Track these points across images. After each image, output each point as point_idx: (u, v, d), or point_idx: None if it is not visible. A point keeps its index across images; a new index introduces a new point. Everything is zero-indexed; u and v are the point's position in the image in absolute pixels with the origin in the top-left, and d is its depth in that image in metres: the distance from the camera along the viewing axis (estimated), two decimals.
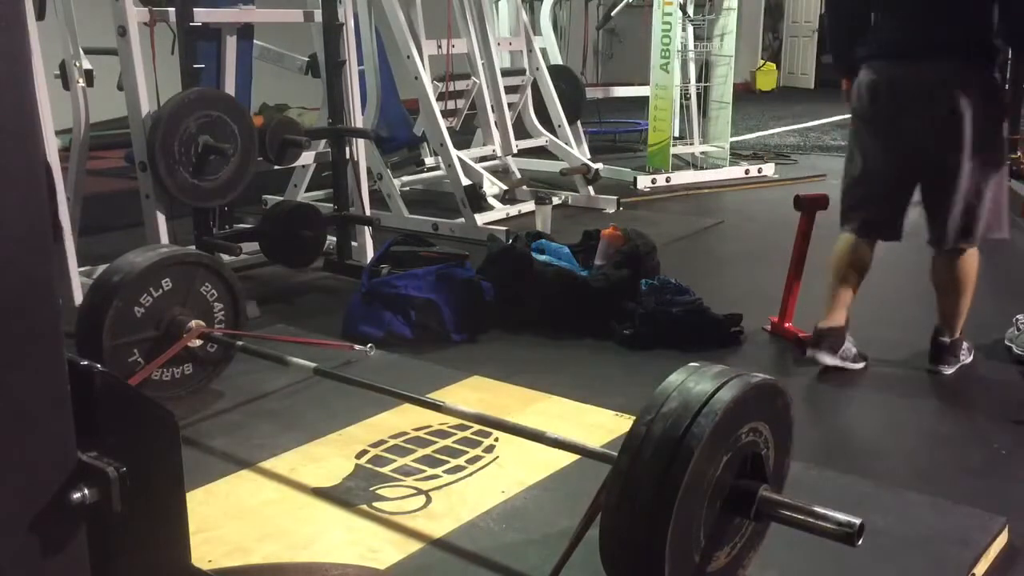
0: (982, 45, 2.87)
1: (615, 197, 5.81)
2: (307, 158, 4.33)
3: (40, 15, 3.41)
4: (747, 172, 6.85)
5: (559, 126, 6.09)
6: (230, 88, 3.86)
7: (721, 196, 6.41)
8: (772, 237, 4.93)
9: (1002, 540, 2.07)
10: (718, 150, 7.00)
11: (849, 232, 3.15)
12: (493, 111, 5.52)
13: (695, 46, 7.03)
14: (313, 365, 2.56)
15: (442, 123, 5.16)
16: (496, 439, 2.50)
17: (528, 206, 5.44)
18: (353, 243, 4.38)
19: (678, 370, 1.62)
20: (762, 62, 14.47)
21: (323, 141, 4.32)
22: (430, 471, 2.35)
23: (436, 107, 5.16)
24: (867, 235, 3.12)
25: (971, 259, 3.02)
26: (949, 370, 3.11)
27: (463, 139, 5.97)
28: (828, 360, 3.10)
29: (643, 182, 6.48)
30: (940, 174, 2.93)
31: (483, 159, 5.72)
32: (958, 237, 2.95)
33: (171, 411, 1.29)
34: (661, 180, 6.55)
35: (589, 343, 3.44)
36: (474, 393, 2.84)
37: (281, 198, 4.88)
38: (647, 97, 6.71)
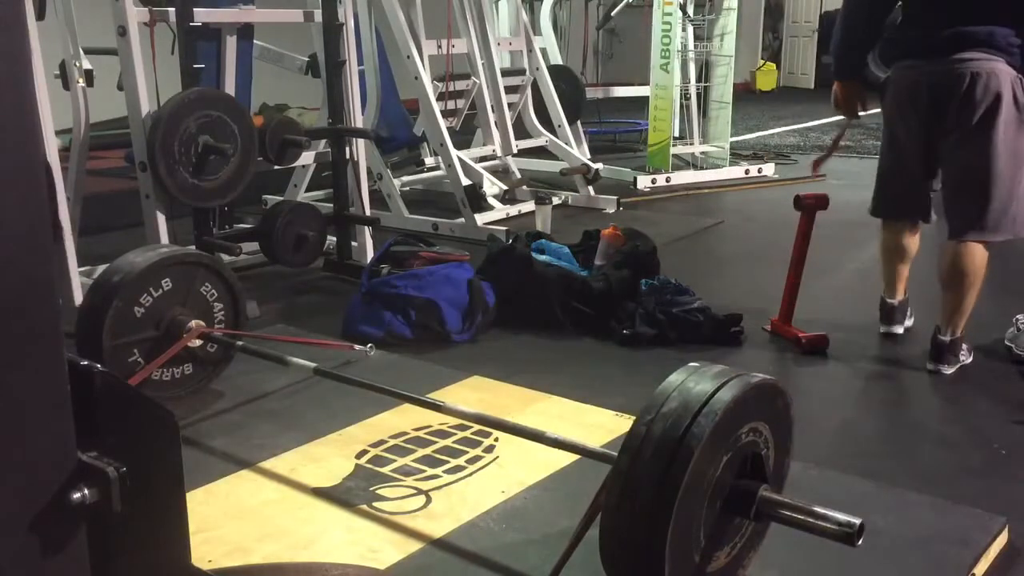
0: (1015, 42, 2.93)
1: (615, 197, 5.81)
2: (307, 158, 4.33)
3: (40, 15, 3.41)
4: (747, 172, 6.85)
5: (559, 126, 6.09)
6: (230, 88, 3.86)
7: (721, 196, 6.41)
8: (772, 237, 4.93)
9: (1002, 540, 2.07)
10: (718, 150, 7.00)
11: (889, 221, 3.36)
12: (493, 111, 5.52)
13: (695, 46, 7.04)
14: (313, 365, 2.56)
15: (442, 123, 5.16)
16: (496, 439, 2.50)
17: (528, 206, 5.44)
18: (353, 243, 4.38)
19: (678, 370, 1.62)
20: (762, 62, 14.48)
21: (323, 141, 4.32)
22: (430, 471, 2.35)
23: (436, 107, 5.16)
24: (905, 219, 3.32)
25: (980, 255, 3.05)
26: (949, 369, 3.11)
27: (463, 139, 5.97)
28: (900, 330, 3.45)
29: (643, 182, 6.48)
30: (973, 166, 2.99)
31: (483, 159, 5.72)
32: (994, 228, 3.02)
33: (171, 411, 1.29)
34: (661, 180, 6.55)
35: (589, 343, 3.44)
36: (474, 393, 2.84)
37: (281, 198, 4.88)
38: (647, 97, 6.71)
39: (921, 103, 3.05)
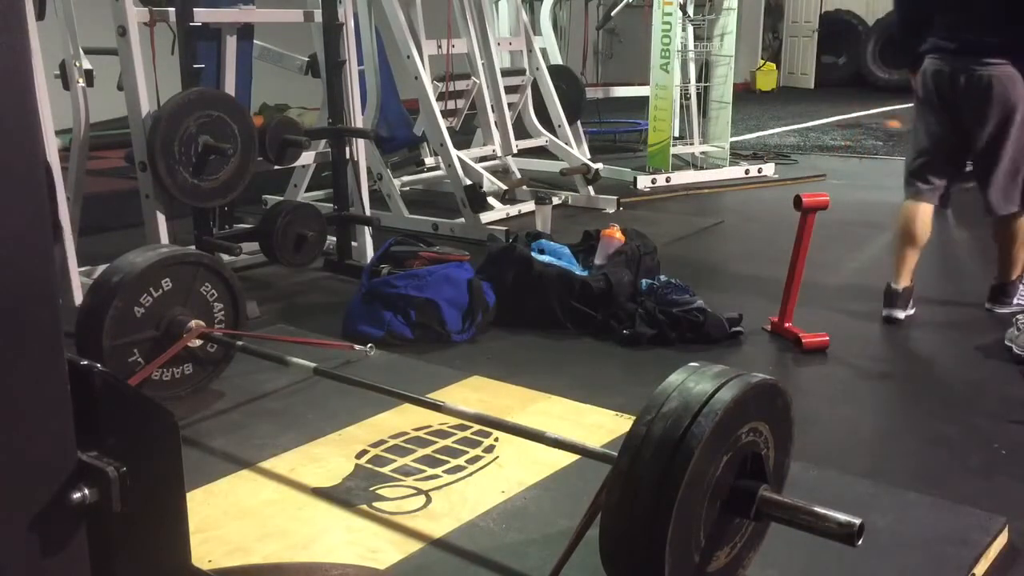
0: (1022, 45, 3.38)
1: (615, 197, 5.81)
2: (307, 158, 4.33)
3: (40, 15, 3.41)
4: (747, 172, 6.85)
5: (559, 126, 6.08)
6: (230, 88, 3.86)
7: (721, 196, 6.41)
8: (772, 237, 4.93)
9: (1002, 540, 2.07)
10: (718, 150, 6.99)
11: (912, 199, 3.64)
12: (493, 111, 5.52)
13: (695, 46, 7.03)
14: (313, 365, 2.56)
15: (442, 123, 5.15)
16: (496, 439, 2.50)
17: (528, 206, 5.44)
18: (353, 243, 4.38)
19: (678, 370, 1.62)
20: (762, 62, 14.47)
21: (323, 141, 4.32)
22: (430, 471, 2.35)
23: (436, 107, 5.16)
24: (925, 199, 3.62)
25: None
26: (1000, 309, 3.63)
27: (463, 139, 5.97)
28: (902, 315, 3.63)
29: (643, 182, 6.48)
30: (991, 155, 3.43)
31: (483, 159, 5.71)
32: (1014, 205, 3.48)
33: (171, 411, 1.29)
34: (661, 180, 6.54)
35: (589, 343, 3.44)
36: (474, 393, 2.84)
37: (281, 198, 4.88)
38: (647, 97, 6.70)
39: (944, 89, 3.47)
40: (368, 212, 4.37)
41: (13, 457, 1.04)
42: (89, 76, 3.74)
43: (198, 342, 2.74)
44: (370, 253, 4.30)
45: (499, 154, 5.66)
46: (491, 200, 5.26)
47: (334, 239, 4.34)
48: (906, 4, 3.70)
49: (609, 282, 3.55)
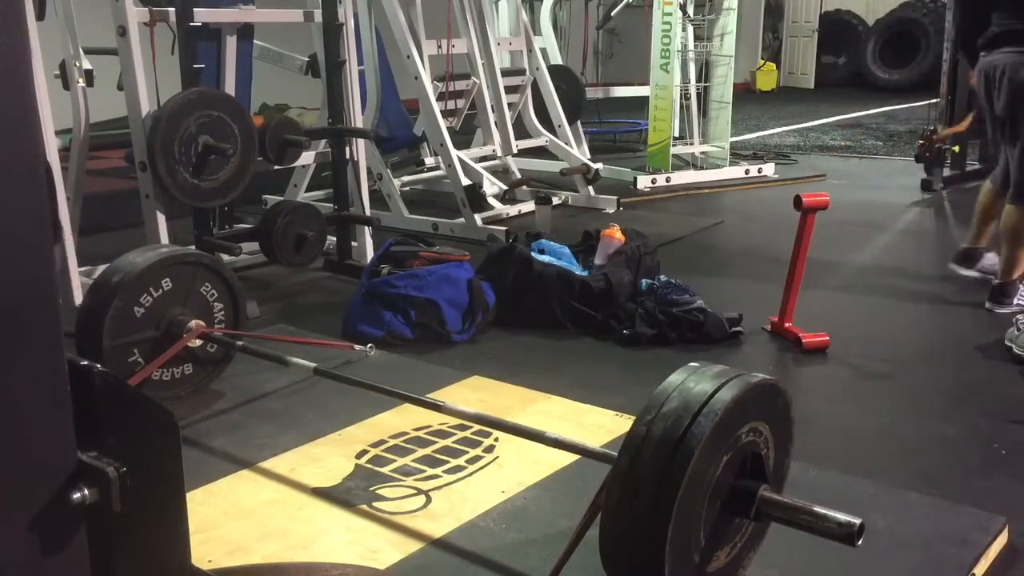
0: None
1: (615, 197, 5.81)
2: (307, 158, 4.33)
3: (40, 15, 3.41)
4: (747, 172, 6.85)
5: (559, 126, 6.09)
6: (230, 88, 3.86)
7: (721, 196, 6.41)
8: (772, 237, 4.93)
9: (1002, 540, 2.07)
10: (718, 150, 6.99)
11: (989, 181, 3.98)
12: (493, 111, 5.52)
13: (695, 46, 7.03)
14: (313, 365, 2.56)
15: (442, 123, 5.16)
16: (496, 439, 2.50)
17: (528, 206, 5.44)
18: (353, 243, 4.38)
19: (678, 370, 1.62)
20: (762, 62, 14.48)
21: (323, 141, 4.32)
22: (430, 471, 2.35)
23: (436, 107, 5.16)
24: (993, 179, 3.95)
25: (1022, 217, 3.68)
26: (998, 308, 3.68)
27: (463, 139, 5.97)
28: (965, 272, 4.07)
29: (643, 182, 6.48)
30: (1014, 137, 3.65)
31: (483, 159, 5.71)
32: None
33: (171, 411, 1.29)
34: (661, 180, 6.55)
35: (589, 343, 3.44)
36: (474, 393, 2.84)
37: (281, 198, 4.88)
38: (647, 97, 6.71)
39: (981, 86, 3.79)
40: (368, 212, 4.37)
41: (13, 457, 1.04)
42: (89, 76, 3.74)
43: (198, 342, 2.74)
44: (370, 253, 4.30)
45: (499, 154, 5.66)
46: (491, 200, 5.26)
47: (334, 239, 4.34)
48: (970, 6, 3.96)
49: (609, 282, 3.55)
